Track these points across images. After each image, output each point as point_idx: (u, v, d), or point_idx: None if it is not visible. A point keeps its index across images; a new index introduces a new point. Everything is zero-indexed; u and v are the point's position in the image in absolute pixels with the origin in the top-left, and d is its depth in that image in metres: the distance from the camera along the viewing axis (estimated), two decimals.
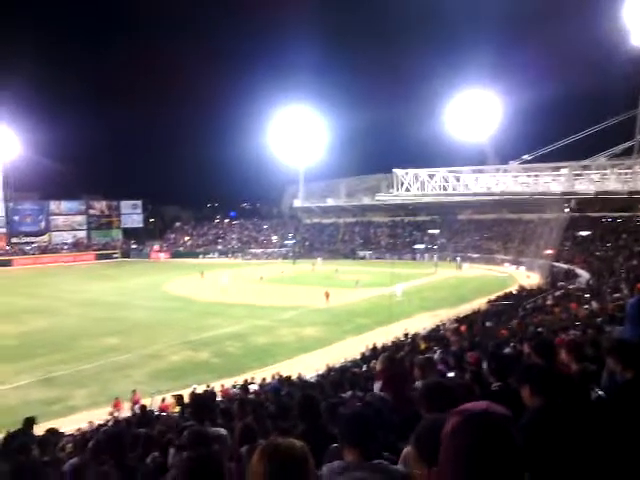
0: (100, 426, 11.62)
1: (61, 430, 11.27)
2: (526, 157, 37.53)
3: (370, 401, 4.03)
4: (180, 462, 2.42)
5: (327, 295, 34.82)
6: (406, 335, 21.77)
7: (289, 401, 6.51)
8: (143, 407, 13.19)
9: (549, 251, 50.19)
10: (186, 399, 11.80)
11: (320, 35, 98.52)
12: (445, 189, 40.87)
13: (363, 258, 69.68)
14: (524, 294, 31.68)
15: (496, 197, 46.80)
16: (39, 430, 9.40)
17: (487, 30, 77.14)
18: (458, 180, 40.71)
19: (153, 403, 15.86)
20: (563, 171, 36.34)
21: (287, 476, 1.47)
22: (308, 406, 3.82)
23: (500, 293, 33.45)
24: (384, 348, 18.84)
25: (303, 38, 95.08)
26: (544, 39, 68.65)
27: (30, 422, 8.46)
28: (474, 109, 63.89)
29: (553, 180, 38.38)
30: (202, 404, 4.66)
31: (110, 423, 12.36)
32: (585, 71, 60.34)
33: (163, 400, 16.16)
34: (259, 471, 1.49)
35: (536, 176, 38.88)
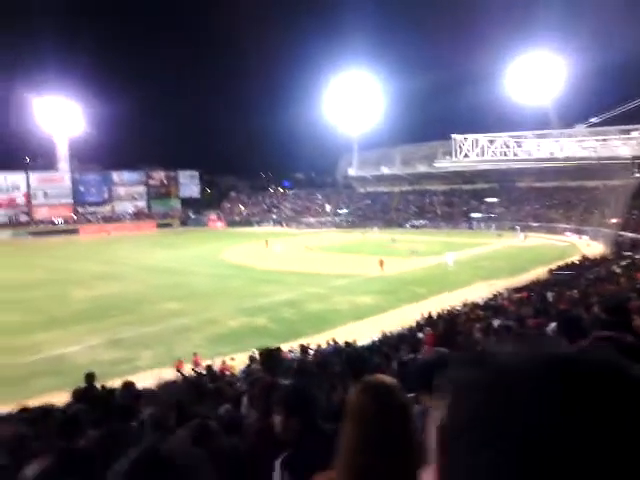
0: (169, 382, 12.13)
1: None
2: (594, 120, 35.63)
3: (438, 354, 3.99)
4: (283, 391, 2.63)
5: (381, 263, 34.72)
6: (464, 304, 21.46)
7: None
8: (209, 367, 13.69)
9: (615, 220, 47.85)
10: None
11: None
12: (506, 155, 39.45)
13: (418, 227, 68.77)
14: (587, 264, 30.47)
15: (560, 163, 44.71)
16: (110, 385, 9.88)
17: None
18: (520, 146, 39.19)
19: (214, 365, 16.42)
20: (634, 134, 34.30)
21: (390, 412, 1.47)
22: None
23: (561, 262, 32.30)
24: (439, 316, 18.68)
25: (358, 1, 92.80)
26: None
27: (90, 377, 8.87)
28: (537, 71, 60.87)
29: (623, 144, 36.29)
30: (273, 358, 4.82)
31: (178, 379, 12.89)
32: None
33: (223, 362, 16.72)
34: (362, 407, 1.51)
35: (604, 140, 36.88)
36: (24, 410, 6.39)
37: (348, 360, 3.85)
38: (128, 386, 7.03)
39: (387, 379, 1.66)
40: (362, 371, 3.48)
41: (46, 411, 4.66)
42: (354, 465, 1.46)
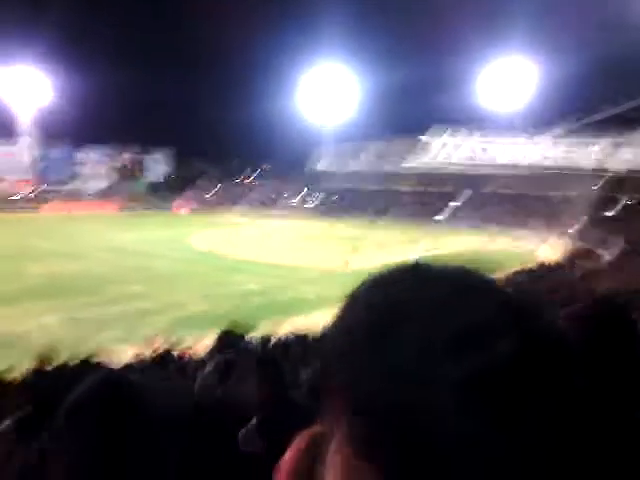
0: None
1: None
2: (558, 130, 36.73)
3: None
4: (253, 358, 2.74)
5: (346, 263, 34.85)
6: None
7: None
8: (167, 350, 13.64)
9: (573, 229, 49.57)
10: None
11: None
12: (473, 158, 40.36)
13: (382, 225, 69.47)
14: (543, 270, 31.42)
15: (523, 172, 46.03)
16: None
17: None
18: (485, 152, 40.15)
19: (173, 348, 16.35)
20: (595, 147, 35.59)
21: None
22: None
23: (518, 268, 33.23)
24: None
25: None
26: (582, 4, 65.83)
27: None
28: (509, 76, 62.32)
29: (585, 155, 37.63)
30: (232, 339, 4.92)
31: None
32: (629, 38, 57.95)
33: (184, 347, 16.66)
34: None
35: (566, 151, 38.15)
36: None
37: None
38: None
39: None
40: None
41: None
42: None
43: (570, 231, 49.42)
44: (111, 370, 1.00)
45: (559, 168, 38.79)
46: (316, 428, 1.82)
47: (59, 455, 0.93)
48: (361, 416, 0.39)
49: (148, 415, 0.93)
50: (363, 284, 0.51)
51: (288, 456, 1.72)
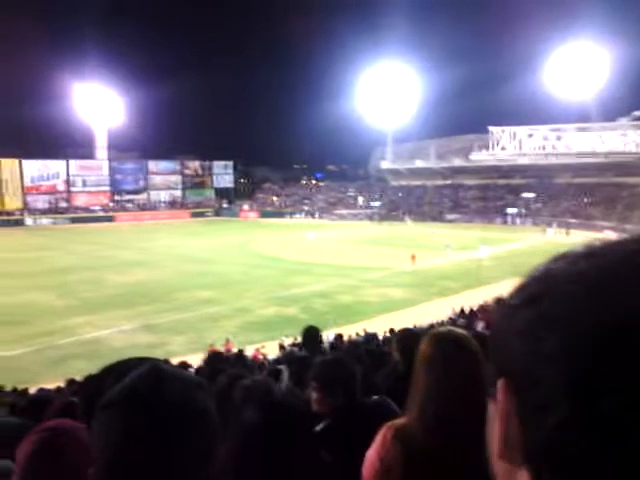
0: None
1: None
2: (638, 113, 34.26)
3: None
4: (317, 367, 2.61)
5: (413, 258, 34.41)
6: (498, 300, 21.05)
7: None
8: (240, 351, 13.83)
9: None
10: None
11: None
12: (544, 149, 38.43)
13: (451, 221, 67.84)
14: None
15: (601, 158, 43.26)
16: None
17: None
18: (559, 139, 38.08)
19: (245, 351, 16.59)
20: None
21: (456, 362, 1.52)
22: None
23: None
24: (472, 310, 18.41)
25: None
26: None
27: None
28: (579, 62, 59.03)
29: None
30: (314, 336, 4.86)
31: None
32: None
33: (255, 350, 16.88)
34: (427, 356, 1.58)
35: None
36: (72, 382, 6.61)
37: (401, 336, 3.85)
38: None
39: (455, 329, 1.74)
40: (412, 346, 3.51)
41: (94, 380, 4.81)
42: (428, 412, 1.52)
43: None
44: (158, 363, 0.86)
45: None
46: (401, 420, 1.66)
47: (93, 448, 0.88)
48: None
49: (188, 410, 0.88)
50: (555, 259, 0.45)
51: (375, 448, 1.59)
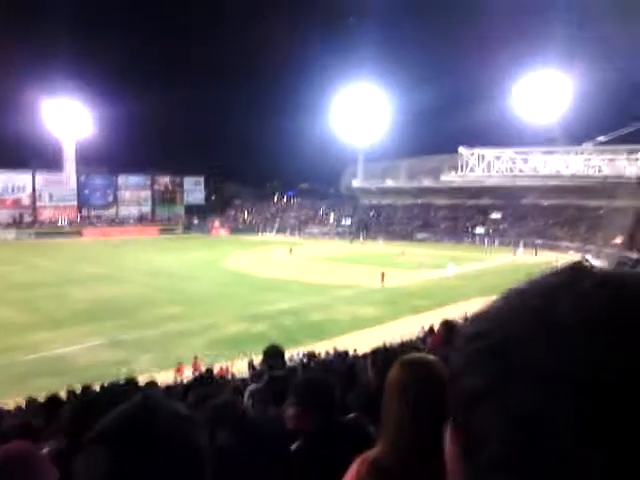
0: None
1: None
2: (601, 138, 35.58)
3: None
4: (299, 384, 2.61)
5: (383, 276, 34.60)
6: (465, 318, 21.33)
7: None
8: (209, 370, 13.62)
9: (618, 240, 47.77)
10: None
11: (385, 11, 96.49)
12: (512, 171, 39.45)
13: (421, 240, 68.67)
14: None
15: (566, 181, 44.64)
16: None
17: (559, 9, 73.05)
18: (526, 162, 39.16)
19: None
20: None
21: (431, 387, 1.47)
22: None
23: None
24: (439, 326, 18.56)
25: (368, 14, 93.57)
26: (619, 18, 64.30)
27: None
28: (544, 88, 61.14)
29: (629, 164, 36.30)
30: (277, 355, 4.82)
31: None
32: None
33: (221, 368, 16.65)
34: (399, 383, 1.53)
35: (610, 159, 36.88)
36: (32, 401, 6.44)
37: (375, 353, 3.89)
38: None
39: (427, 355, 1.69)
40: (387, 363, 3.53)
41: (55, 401, 4.71)
42: (400, 441, 1.47)
43: (617, 241, 47.66)
44: (147, 395, 0.79)
45: (603, 177, 37.51)
46: (374, 452, 1.64)
47: None
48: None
49: (180, 446, 0.83)
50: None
51: None
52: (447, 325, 5.78)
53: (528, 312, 0.40)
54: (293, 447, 2.35)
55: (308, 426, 2.43)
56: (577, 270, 0.42)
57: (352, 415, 2.65)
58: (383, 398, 1.62)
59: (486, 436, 0.37)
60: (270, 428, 2.72)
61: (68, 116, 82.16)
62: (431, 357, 1.68)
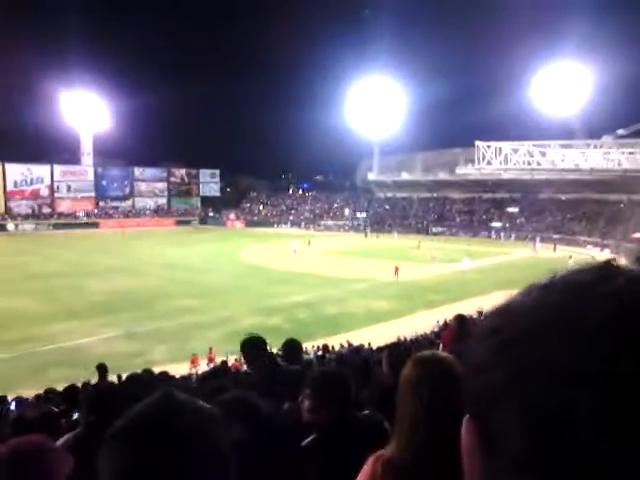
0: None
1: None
2: (621, 132, 34.90)
3: None
4: (316, 377, 2.59)
5: (396, 270, 34.37)
6: (479, 312, 21.18)
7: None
8: (224, 362, 13.73)
9: (638, 234, 46.99)
10: None
11: (400, 3, 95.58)
12: (529, 164, 38.93)
13: (436, 234, 68.21)
14: None
15: (584, 175, 43.89)
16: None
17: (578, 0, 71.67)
18: (544, 155, 38.59)
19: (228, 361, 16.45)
20: None
21: (445, 385, 1.46)
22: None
23: None
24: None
25: (384, 6, 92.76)
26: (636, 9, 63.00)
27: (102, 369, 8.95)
28: (563, 81, 60.17)
29: None
30: (295, 348, 4.85)
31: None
32: None
33: (236, 359, 16.74)
34: (412, 381, 1.53)
35: (630, 153, 36.20)
36: (50, 391, 6.54)
37: (391, 350, 3.85)
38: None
39: (440, 352, 1.72)
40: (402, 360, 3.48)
41: (73, 390, 4.77)
42: (414, 439, 1.47)
43: (636, 236, 46.88)
44: (172, 391, 0.76)
45: (623, 170, 36.85)
46: (389, 450, 1.62)
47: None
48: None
49: (203, 444, 0.81)
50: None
51: (361, 478, 1.54)
52: (460, 320, 5.73)
53: (551, 307, 0.39)
54: (308, 440, 2.35)
55: (323, 420, 2.43)
56: (609, 267, 0.41)
57: (367, 411, 2.63)
58: (397, 395, 1.61)
59: (506, 434, 0.36)
60: (283, 422, 2.72)
61: (86, 109, 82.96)
62: (444, 354, 1.68)
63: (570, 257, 37.71)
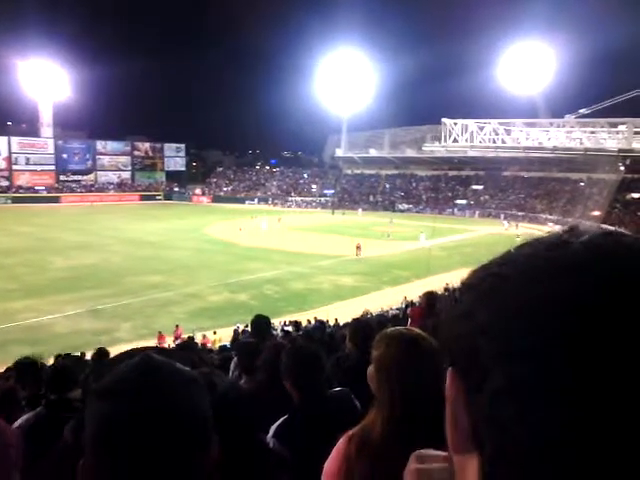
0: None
1: None
2: (583, 111, 35.79)
3: None
4: (288, 353, 2.52)
5: (358, 247, 34.51)
6: (446, 288, 21.63)
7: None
8: (190, 338, 13.69)
9: (597, 212, 48.46)
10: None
11: None
12: (494, 142, 39.54)
13: (403, 211, 68.87)
14: None
15: (548, 153, 44.84)
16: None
17: None
18: (509, 133, 39.23)
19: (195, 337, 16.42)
20: (621, 127, 34.52)
21: (418, 362, 1.48)
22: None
23: None
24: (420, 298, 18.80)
25: None
26: None
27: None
28: (528, 61, 60.96)
29: (610, 137, 36.56)
30: (265, 325, 4.86)
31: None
32: None
33: (204, 336, 16.73)
34: (388, 359, 1.53)
35: (592, 132, 37.08)
36: (8, 369, 6.40)
37: (354, 327, 3.86)
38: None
39: (412, 329, 1.69)
40: (365, 337, 3.47)
41: (32, 365, 4.68)
42: (391, 417, 1.49)
43: (596, 213, 48.35)
44: (150, 355, 0.78)
45: (584, 149, 37.87)
46: (360, 429, 1.63)
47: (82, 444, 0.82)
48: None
49: (182, 406, 0.82)
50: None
51: (334, 459, 1.55)
52: (429, 296, 5.85)
53: (524, 259, 0.43)
54: (280, 422, 2.33)
55: (297, 399, 2.41)
56: (579, 227, 0.45)
57: (339, 389, 2.64)
58: (370, 373, 1.62)
59: (489, 373, 0.39)
60: (239, 401, 2.71)
61: (45, 78, 79.67)
62: (415, 330, 1.68)
63: (518, 236, 39.04)
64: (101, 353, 5.95)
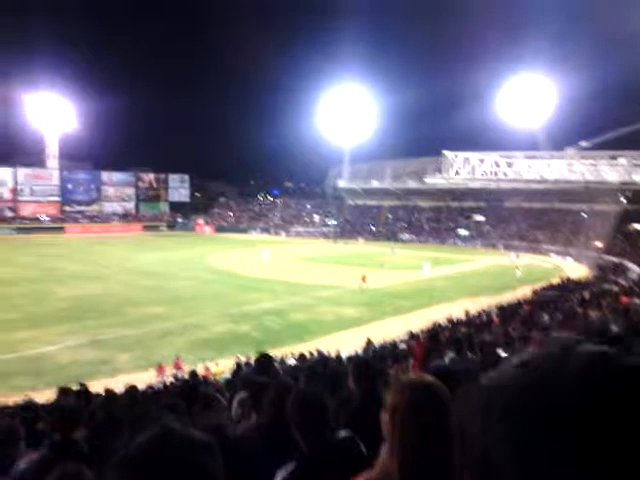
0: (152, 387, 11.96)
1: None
2: (583, 144, 36.03)
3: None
4: (294, 400, 2.47)
5: (364, 278, 34.11)
6: (450, 320, 21.50)
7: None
8: (193, 372, 13.54)
9: (598, 243, 48.42)
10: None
11: (372, 13, 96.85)
12: (496, 174, 39.82)
13: (405, 242, 68.95)
14: (572, 285, 30.63)
15: (549, 185, 45.17)
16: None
17: (545, 14, 74.00)
18: (510, 166, 39.55)
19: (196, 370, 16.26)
20: (621, 160, 34.80)
21: (429, 410, 1.48)
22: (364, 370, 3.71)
23: (546, 283, 32.51)
24: (423, 331, 18.67)
25: (355, 16, 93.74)
26: (603, 24, 65.48)
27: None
28: (528, 94, 61.85)
29: (611, 169, 36.83)
30: (267, 362, 4.83)
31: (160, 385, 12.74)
32: None
33: (205, 368, 16.56)
34: (398, 405, 1.53)
35: (592, 165, 37.36)
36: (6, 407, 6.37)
37: (356, 365, 3.83)
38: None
39: (424, 376, 1.69)
40: (368, 376, 3.47)
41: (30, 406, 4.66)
42: (406, 464, 1.48)
43: (597, 244, 48.30)
44: (168, 426, 0.87)
45: (585, 181, 38.17)
46: (371, 474, 1.64)
47: None
48: None
49: (196, 477, 0.89)
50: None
51: None
52: (433, 337, 5.84)
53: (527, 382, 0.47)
54: (287, 470, 2.25)
55: (304, 446, 2.35)
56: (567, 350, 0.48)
57: (344, 434, 2.59)
58: (384, 420, 1.61)
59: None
60: (252, 447, 2.68)
61: (51, 111, 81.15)
62: (429, 378, 1.69)
63: (517, 267, 39.00)
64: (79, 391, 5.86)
